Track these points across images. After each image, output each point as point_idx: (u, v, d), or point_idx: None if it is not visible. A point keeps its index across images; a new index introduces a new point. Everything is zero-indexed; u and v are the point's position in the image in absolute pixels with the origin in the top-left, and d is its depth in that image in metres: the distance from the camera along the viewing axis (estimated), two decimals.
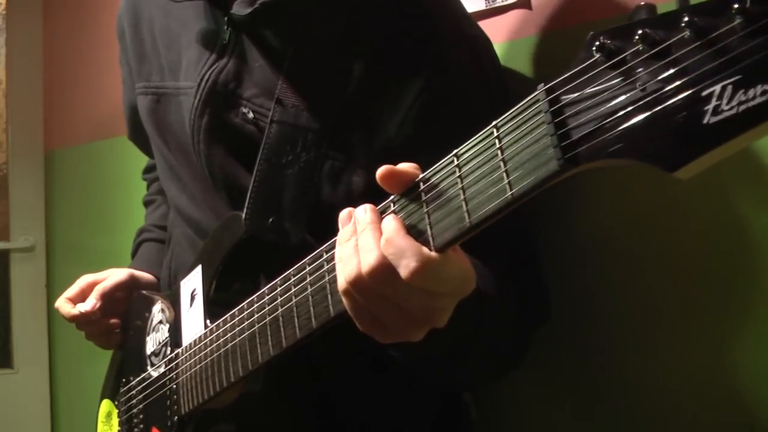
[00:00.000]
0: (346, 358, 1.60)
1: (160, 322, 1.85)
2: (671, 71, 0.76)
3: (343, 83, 1.55)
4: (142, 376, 1.87)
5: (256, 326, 1.44)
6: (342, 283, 1.13)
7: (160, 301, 1.89)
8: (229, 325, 1.53)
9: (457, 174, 1.03)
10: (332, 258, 1.22)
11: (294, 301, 1.33)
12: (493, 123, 0.99)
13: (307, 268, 1.31)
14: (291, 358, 1.39)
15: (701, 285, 1.67)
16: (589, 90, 0.84)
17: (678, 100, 0.75)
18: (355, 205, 1.20)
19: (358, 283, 1.11)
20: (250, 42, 1.66)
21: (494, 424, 1.99)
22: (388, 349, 1.28)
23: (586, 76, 0.85)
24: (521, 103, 0.95)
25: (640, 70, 0.79)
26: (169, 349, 1.78)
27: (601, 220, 1.80)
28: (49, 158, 4.02)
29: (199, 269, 1.71)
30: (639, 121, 0.78)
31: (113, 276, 2.06)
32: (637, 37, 0.79)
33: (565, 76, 0.88)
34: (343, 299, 1.15)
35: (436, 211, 1.06)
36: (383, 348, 1.23)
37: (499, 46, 1.67)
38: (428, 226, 1.07)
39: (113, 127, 3.45)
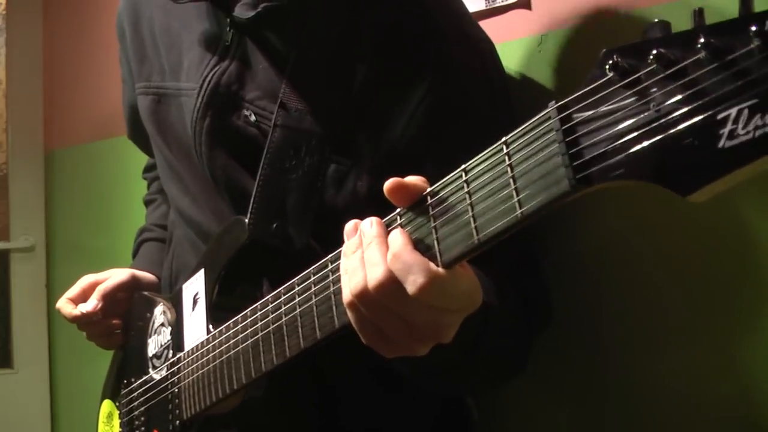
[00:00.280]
0: (349, 361, 1.59)
1: (162, 324, 1.84)
2: (686, 93, 0.74)
3: (346, 86, 1.54)
4: (143, 378, 1.86)
5: (260, 334, 1.43)
6: (347, 295, 1.12)
7: (161, 303, 1.88)
8: (232, 331, 1.52)
9: (466, 189, 1.01)
10: (337, 269, 1.21)
11: (298, 310, 1.32)
12: (503, 139, 0.97)
13: (312, 278, 1.29)
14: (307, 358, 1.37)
15: (704, 288, 1.67)
16: (602, 109, 0.83)
17: (693, 122, 0.73)
18: (359, 209, 1.19)
19: (363, 297, 1.09)
20: (253, 44, 1.65)
21: (496, 426, 1.98)
22: (390, 362, 1.26)
23: (599, 95, 0.83)
24: (532, 120, 0.93)
25: (654, 90, 0.78)
26: (170, 352, 1.77)
27: (603, 223, 1.80)
28: (49, 158, 4.01)
29: (201, 273, 1.71)
30: (653, 142, 0.77)
31: (115, 276, 2.05)
32: (651, 57, 0.77)
33: (578, 94, 0.86)
34: (348, 312, 1.14)
35: (443, 226, 1.05)
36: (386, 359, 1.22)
37: (499, 46, 1.67)
38: (435, 242, 1.06)
39: (113, 127, 3.44)
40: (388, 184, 1.10)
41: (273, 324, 1.39)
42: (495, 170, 0.98)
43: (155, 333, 1.87)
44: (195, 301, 1.71)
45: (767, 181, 1.57)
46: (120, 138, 3.10)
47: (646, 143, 0.78)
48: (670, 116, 0.76)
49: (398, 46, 1.55)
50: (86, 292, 2.03)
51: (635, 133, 0.79)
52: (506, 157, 0.96)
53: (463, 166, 1.03)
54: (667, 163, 0.76)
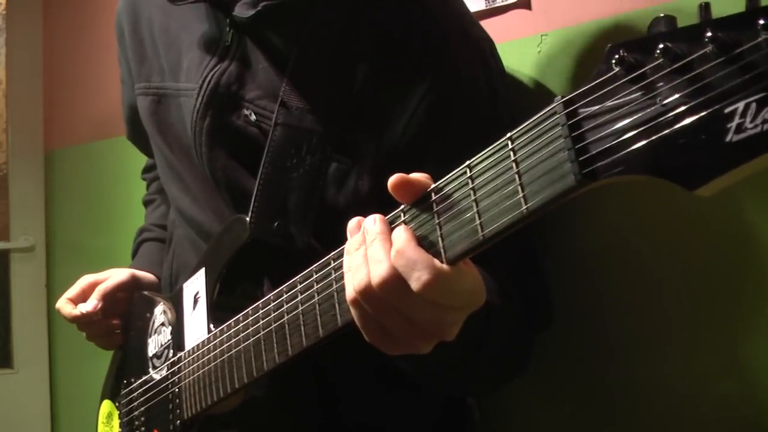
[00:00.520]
0: (350, 360, 1.59)
1: (162, 324, 1.84)
2: (693, 87, 0.74)
3: (347, 85, 1.54)
4: (143, 378, 1.86)
5: (261, 333, 1.42)
6: (351, 293, 1.12)
7: (162, 303, 1.88)
8: (233, 330, 1.52)
9: (470, 186, 1.01)
10: (340, 267, 1.21)
11: (300, 308, 1.31)
12: (508, 135, 0.96)
13: (315, 276, 1.29)
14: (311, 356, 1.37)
15: (705, 287, 1.67)
16: (608, 104, 0.82)
17: (700, 117, 0.73)
18: (360, 207, 1.19)
19: (367, 294, 1.09)
20: (253, 44, 1.65)
21: (497, 426, 1.98)
22: (393, 360, 1.26)
23: (605, 90, 0.83)
24: (537, 115, 0.92)
25: (661, 84, 0.77)
26: (171, 352, 1.77)
27: (604, 223, 1.80)
28: (49, 158, 4.01)
29: (202, 272, 1.70)
30: (659, 137, 0.77)
31: (114, 276, 2.05)
32: (658, 51, 0.77)
33: (584, 89, 0.86)
34: (351, 309, 1.14)
35: (448, 222, 1.04)
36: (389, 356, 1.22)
37: (499, 46, 1.67)
38: (440, 238, 1.05)
39: (113, 127, 3.45)
40: (392, 180, 1.09)
41: (275, 322, 1.38)
42: (500, 166, 0.97)
43: (155, 333, 1.86)
44: (196, 301, 1.71)
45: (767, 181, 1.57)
46: (120, 138, 3.10)
47: (652, 138, 0.77)
48: (677, 110, 0.75)
49: (399, 45, 1.55)
50: (86, 292, 2.03)
51: (642, 128, 0.79)
52: (511, 153, 0.95)
53: (467, 162, 1.03)
54: (673, 157, 0.76)
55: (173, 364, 1.74)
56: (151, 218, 2.31)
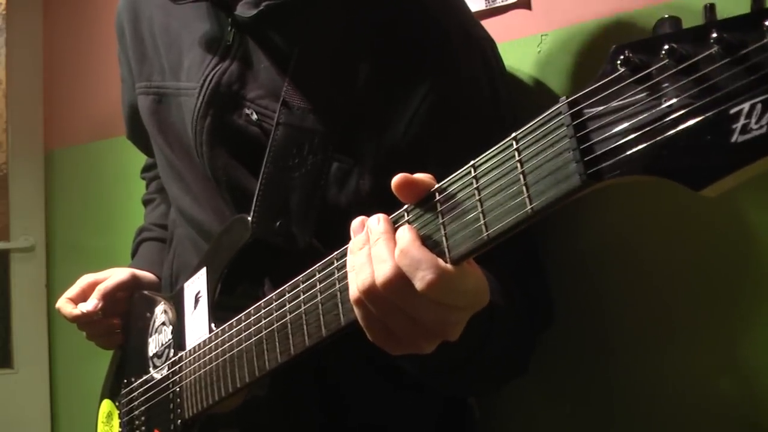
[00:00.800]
0: (352, 359, 1.59)
1: (163, 323, 1.84)
2: (699, 88, 0.74)
3: (349, 85, 1.54)
4: (144, 377, 1.86)
5: (264, 332, 1.42)
6: (354, 292, 1.12)
7: (162, 302, 1.88)
8: (234, 330, 1.52)
9: (475, 185, 1.01)
10: (343, 266, 1.21)
11: (303, 308, 1.31)
12: (513, 135, 0.97)
13: (317, 276, 1.29)
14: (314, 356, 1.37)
15: (705, 287, 1.67)
16: (613, 104, 0.82)
17: (705, 117, 0.73)
18: (362, 207, 1.19)
19: (371, 293, 1.09)
20: (255, 44, 1.65)
21: (497, 425, 1.99)
22: (396, 360, 1.26)
23: (610, 90, 0.83)
24: (542, 116, 0.92)
25: (666, 85, 0.78)
26: (172, 351, 1.77)
27: (605, 223, 1.80)
28: (49, 158, 4.01)
29: (203, 272, 1.71)
30: (665, 137, 0.77)
31: (115, 276, 2.05)
32: (663, 52, 0.77)
33: (589, 89, 0.86)
34: (355, 309, 1.14)
35: (452, 222, 1.04)
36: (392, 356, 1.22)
37: (499, 46, 1.67)
38: (444, 238, 1.05)
39: (113, 127, 3.45)
40: (395, 180, 1.09)
41: (277, 322, 1.38)
42: (505, 166, 0.97)
43: (156, 332, 1.86)
44: (197, 300, 1.71)
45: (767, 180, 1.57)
46: (120, 138, 3.10)
47: (658, 138, 0.78)
48: (683, 111, 0.75)
49: (400, 45, 1.55)
50: (86, 291, 2.03)
51: (647, 129, 0.79)
52: (516, 153, 0.95)
53: (472, 162, 1.03)
54: (679, 158, 0.76)
55: (174, 363, 1.74)
56: (151, 218, 2.31)
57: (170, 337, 1.79)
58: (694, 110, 0.74)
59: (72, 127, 3.88)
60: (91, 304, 1.97)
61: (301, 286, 1.33)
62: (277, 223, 1.54)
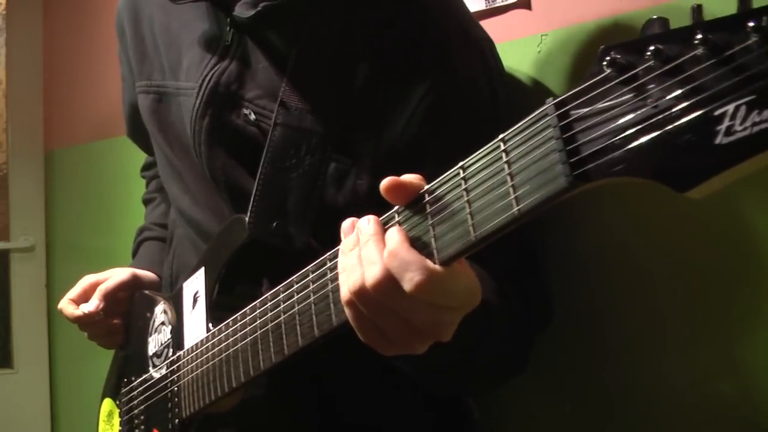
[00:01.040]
0: (349, 360, 1.59)
1: (162, 323, 1.84)
2: (684, 89, 0.74)
3: (347, 85, 1.54)
4: (143, 377, 1.86)
5: (258, 332, 1.43)
6: (345, 293, 1.12)
7: (162, 302, 1.88)
8: (231, 329, 1.52)
9: (463, 187, 1.01)
10: (336, 267, 1.20)
11: (297, 308, 1.32)
12: (501, 136, 0.97)
13: (310, 276, 1.29)
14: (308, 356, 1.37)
15: (704, 287, 1.67)
16: (599, 105, 0.82)
17: (690, 118, 0.73)
18: (360, 208, 1.19)
19: (361, 295, 1.09)
20: (253, 44, 1.65)
21: (496, 425, 1.98)
22: (391, 360, 1.26)
23: (596, 91, 0.83)
24: (530, 117, 0.92)
25: (652, 86, 0.77)
26: (170, 350, 1.77)
27: (603, 222, 1.80)
28: (49, 158, 4.02)
29: (201, 271, 1.71)
30: (650, 138, 0.76)
31: (115, 276, 2.05)
32: (649, 53, 0.77)
33: (576, 90, 0.86)
34: (346, 310, 1.14)
35: (441, 223, 1.04)
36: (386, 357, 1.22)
37: (499, 46, 1.67)
38: (433, 239, 1.05)
39: (113, 127, 3.45)
40: (384, 183, 1.09)
41: (272, 322, 1.39)
42: (492, 167, 0.97)
43: (156, 332, 1.87)
44: (195, 300, 1.71)
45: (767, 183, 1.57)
46: (120, 138, 3.11)
47: (643, 139, 0.77)
48: (668, 112, 0.75)
49: (399, 45, 1.54)
50: (87, 292, 2.03)
51: (633, 129, 0.78)
52: (503, 154, 0.95)
53: (460, 164, 1.03)
54: (664, 159, 0.75)
55: (172, 363, 1.74)
56: (151, 217, 2.31)
57: (169, 336, 1.80)
58: (679, 111, 0.74)
59: (72, 127, 3.89)
60: (92, 304, 1.98)
61: (295, 287, 1.33)
62: (274, 224, 1.54)
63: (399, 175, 1.10)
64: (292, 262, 1.37)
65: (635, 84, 0.79)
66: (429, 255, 1.05)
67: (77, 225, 3.85)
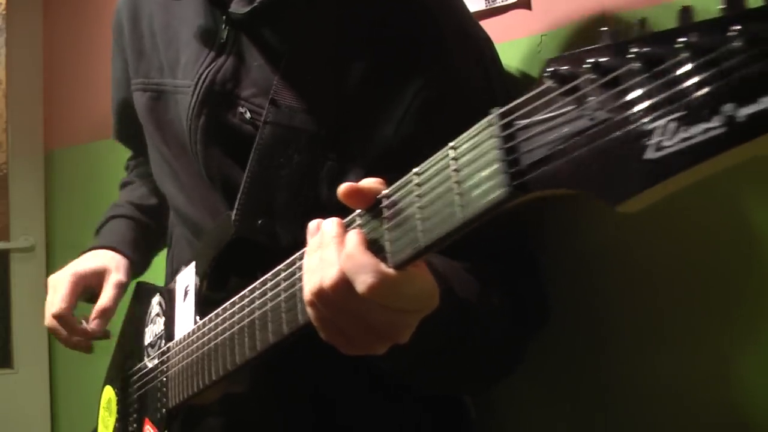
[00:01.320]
0: (345, 358, 1.59)
1: (158, 314, 1.87)
2: (619, 102, 0.74)
3: (341, 83, 1.53)
4: (138, 366, 1.89)
5: (236, 327, 1.45)
6: (306, 293, 1.14)
7: (158, 294, 1.91)
8: (213, 323, 1.55)
9: (416, 193, 1.02)
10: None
11: (269, 305, 1.34)
12: (450, 144, 0.98)
13: (282, 274, 1.31)
14: (283, 353, 1.37)
15: (702, 288, 1.67)
16: (541, 116, 0.82)
17: (623, 132, 0.73)
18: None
19: (320, 296, 1.11)
20: (249, 41, 1.65)
21: (494, 425, 1.99)
22: (373, 361, 1.27)
23: (539, 102, 0.83)
24: (477, 126, 0.94)
25: (590, 98, 0.77)
26: (163, 341, 1.80)
27: (602, 221, 1.79)
28: (49, 158, 4.03)
29: (192, 266, 1.73)
30: (586, 151, 0.76)
31: (106, 290, 2.03)
32: (588, 65, 0.77)
33: (520, 100, 0.86)
34: (308, 309, 1.16)
35: (395, 228, 1.05)
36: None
37: (499, 46, 1.66)
38: (387, 243, 1.06)
39: None
40: (341, 189, 1.11)
41: (247, 318, 1.41)
42: (442, 175, 0.98)
43: (151, 323, 1.90)
44: (186, 293, 1.74)
45: (766, 182, 1.57)
46: None
47: (579, 152, 0.77)
48: (603, 125, 0.75)
49: (395, 43, 1.54)
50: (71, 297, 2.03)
51: (570, 142, 0.78)
52: (453, 162, 0.96)
53: (414, 170, 1.04)
54: (598, 172, 0.75)
55: (163, 353, 1.77)
56: (127, 196, 2.31)
57: (162, 328, 1.83)
58: (613, 124, 0.74)
59: (72, 127, 3.90)
60: (98, 326, 1.97)
61: (269, 284, 1.35)
62: (260, 222, 1.55)
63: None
64: (281, 258, 1.37)
65: (575, 95, 0.79)
66: (384, 259, 1.06)
67: (77, 225, 3.85)
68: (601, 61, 0.76)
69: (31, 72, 4.09)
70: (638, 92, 0.72)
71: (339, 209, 1.18)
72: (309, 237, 1.18)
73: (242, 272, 1.60)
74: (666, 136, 0.69)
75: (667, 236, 1.70)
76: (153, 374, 1.80)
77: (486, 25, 1.75)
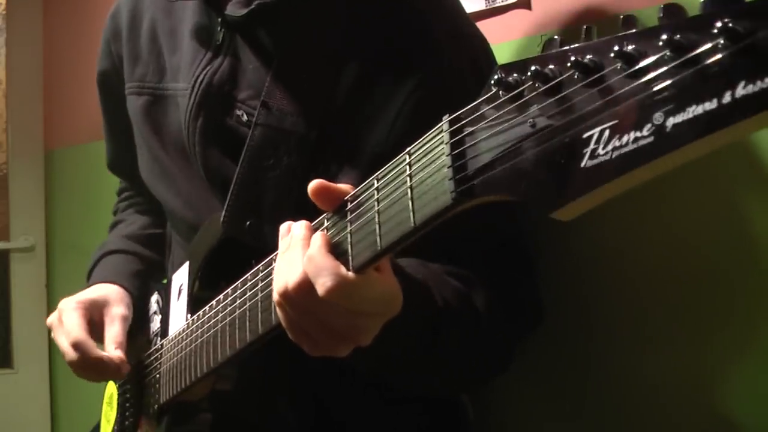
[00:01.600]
0: (341, 361, 1.59)
1: (155, 312, 1.91)
2: (558, 109, 0.75)
3: (332, 86, 1.54)
4: (137, 362, 1.92)
5: (219, 326, 1.48)
6: (274, 294, 1.16)
7: (156, 292, 1.95)
8: (200, 322, 1.58)
9: (376, 197, 1.04)
10: None
11: (247, 305, 1.36)
12: (407, 149, 0.99)
13: (260, 274, 1.34)
14: (283, 353, 1.37)
15: (695, 292, 1.68)
16: (487, 123, 0.84)
17: (560, 139, 0.74)
18: None
19: (286, 297, 1.13)
20: (244, 43, 1.66)
21: (493, 425, 2.00)
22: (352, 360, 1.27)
23: (486, 109, 0.85)
24: (430, 132, 0.95)
25: (533, 106, 0.79)
26: (158, 339, 1.84)
27: (597, 222, 1.79)
28: (49, 158, 4.04)
29: (186, 265, 1.76)
30: (526, 158, 0.78)
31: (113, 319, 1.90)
32: (530, 73, 0.78)
33: (469, 107, 0.88)
34: (277, 310, 1.18)
35: (357, 231, 1.07)
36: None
37: (499, 46, 1.67)
38: (350, 246, 1.08)
39: None
40: (311, 186, 1.13)
41: (229, 317, 1.44)
42: (398, 179, 1.00)
43: (149, 320, 1.94)
44: (180, 292, 1.78)
45: (765, 185, 1.57)
46: None
47: (520, 158, 0.79)
48: (543, 132, 0.76)
49: (388, 46, 1.55)
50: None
51: (513, 148, 0.80)
52: (408, 167, 0.98)
53: (376, 174, 1.06)
54: (537, 179, 0.77)
55: (157, 350, 1.81)
56: (120, 232, 2.22)
57: (158, 325, 1.87)
58: (551, 131, 0.75)
59: (72, 127, 3.91)
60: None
61: (248, 284, 1.38)
62: (248, 223, 1.56)
63: None
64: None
65: (519, 102, 0.81)
66: (345, 261, 1.08)
67: (77, 225, 3.87)
68: (543, 69, 0.77)
69: (31, 72, 4.09)
70: (576, 100, 0.73)
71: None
72: (280, 239, 1.20)
73: (233, 272, 1.61)
74: (600, 145, 0.70)
75: (664, 237, 1.71)
76: (147, 371, 1.84)
77: (486, 25, 1.75)
